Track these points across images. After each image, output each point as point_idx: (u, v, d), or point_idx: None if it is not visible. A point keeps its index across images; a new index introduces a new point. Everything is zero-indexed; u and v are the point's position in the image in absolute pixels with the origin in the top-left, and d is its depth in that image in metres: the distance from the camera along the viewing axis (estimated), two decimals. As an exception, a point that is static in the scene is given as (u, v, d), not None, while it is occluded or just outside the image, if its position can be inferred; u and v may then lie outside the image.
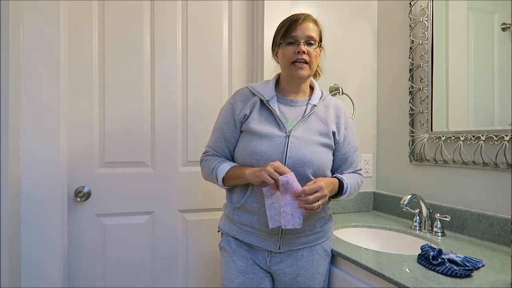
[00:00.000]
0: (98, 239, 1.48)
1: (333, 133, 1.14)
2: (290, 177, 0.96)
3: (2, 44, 1.16)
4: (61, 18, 1.32)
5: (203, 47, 1.62)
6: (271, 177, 0.97)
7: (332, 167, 1.16)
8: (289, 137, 1.07)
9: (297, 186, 0.96)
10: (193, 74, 1.60)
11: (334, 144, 1.15)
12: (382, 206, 1.77)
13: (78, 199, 1.43)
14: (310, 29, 1.09)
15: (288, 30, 1.09)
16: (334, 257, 1.19)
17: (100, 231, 1.48)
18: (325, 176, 1.11)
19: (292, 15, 1.12)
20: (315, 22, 1.12)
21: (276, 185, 0.97)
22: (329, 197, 1.08)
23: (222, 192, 1.24)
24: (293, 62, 1.09)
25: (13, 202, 1.22)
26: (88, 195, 1.45)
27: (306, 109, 1.14)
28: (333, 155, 1.16)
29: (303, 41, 1.08)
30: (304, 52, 1.07)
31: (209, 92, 1.62)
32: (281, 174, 0.96)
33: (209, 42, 1.63)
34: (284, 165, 1.04)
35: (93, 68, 1.46)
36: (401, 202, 1.37)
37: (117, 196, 1.49)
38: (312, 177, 1.06)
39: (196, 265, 1.62)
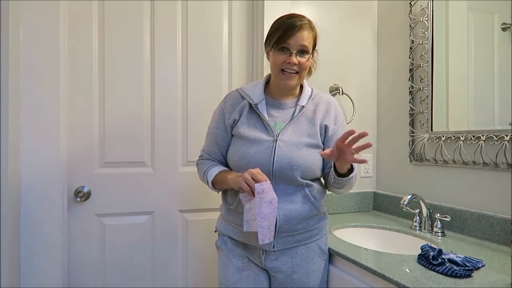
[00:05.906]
0: (98, 239, 1.48)
1: (324, 128, 1.13)
2: (266, 186, 0.96)
3: (2, 44, 1.16)
4: (61, 18, 1.32)
5: (203, 47, 1.61)
6: (247, 184, 0.97)
7: (326, 163, 1.14)
8: (276, 141, 1.07)
9: (272, 195, 0.97)
10: (193, 74, 1.60)
11: (324, 141, 1.13)
12: (382, 206, 1.77)
13: (78, 199, 1.43)
14: (305, 38, 1.05)
15: (283, 37, 1.05)
16: (334, 256, 1.19)
17: (100, 231, 1.48)
18: (314, 177, 1.12)
19: (288, 18, 1.07)
20: (311, 28, 1.08)
21: (253, 192, 0.97)
22: (339, 175, 1.06)
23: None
24: (282, 70, 1.08)
25: (13, 202, 1.22)
26: (88, 195, 1.45)
27: (294, 111, 1.14)
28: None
29: (295, 51, 1.06)
30: (295, 63, 1.06)
31: (209, 92, 1.62)
32: (257, 181, 0.96)
33: (209, 42, 1.62)
34: (272, 169, 1.05)
35: (93, 68, 1.46)
36: (401, 202, 1.37)
37: (117, 196, 1.49)
38: (301, 180, 1.07)
39: (195, 265, 1.62)
